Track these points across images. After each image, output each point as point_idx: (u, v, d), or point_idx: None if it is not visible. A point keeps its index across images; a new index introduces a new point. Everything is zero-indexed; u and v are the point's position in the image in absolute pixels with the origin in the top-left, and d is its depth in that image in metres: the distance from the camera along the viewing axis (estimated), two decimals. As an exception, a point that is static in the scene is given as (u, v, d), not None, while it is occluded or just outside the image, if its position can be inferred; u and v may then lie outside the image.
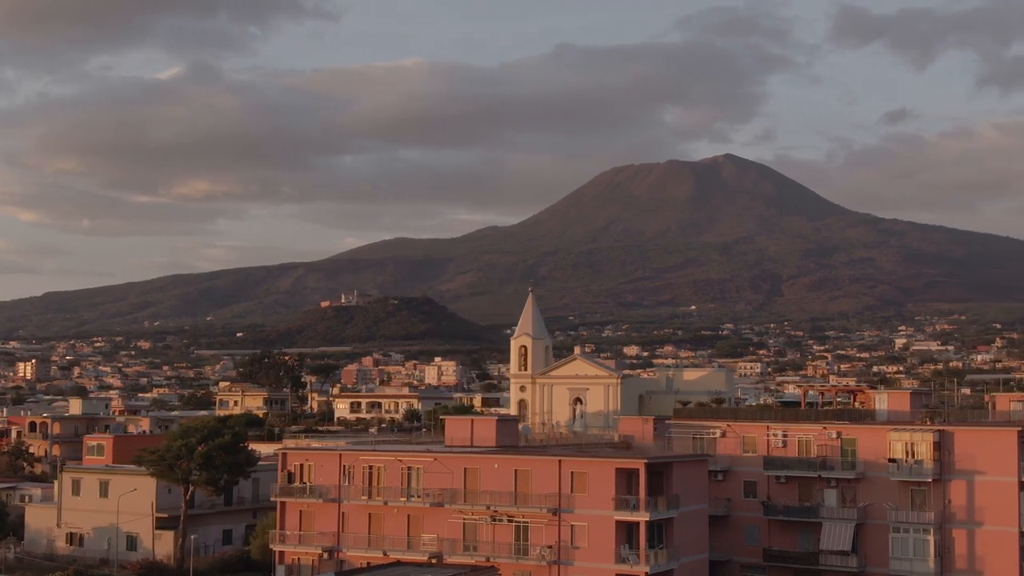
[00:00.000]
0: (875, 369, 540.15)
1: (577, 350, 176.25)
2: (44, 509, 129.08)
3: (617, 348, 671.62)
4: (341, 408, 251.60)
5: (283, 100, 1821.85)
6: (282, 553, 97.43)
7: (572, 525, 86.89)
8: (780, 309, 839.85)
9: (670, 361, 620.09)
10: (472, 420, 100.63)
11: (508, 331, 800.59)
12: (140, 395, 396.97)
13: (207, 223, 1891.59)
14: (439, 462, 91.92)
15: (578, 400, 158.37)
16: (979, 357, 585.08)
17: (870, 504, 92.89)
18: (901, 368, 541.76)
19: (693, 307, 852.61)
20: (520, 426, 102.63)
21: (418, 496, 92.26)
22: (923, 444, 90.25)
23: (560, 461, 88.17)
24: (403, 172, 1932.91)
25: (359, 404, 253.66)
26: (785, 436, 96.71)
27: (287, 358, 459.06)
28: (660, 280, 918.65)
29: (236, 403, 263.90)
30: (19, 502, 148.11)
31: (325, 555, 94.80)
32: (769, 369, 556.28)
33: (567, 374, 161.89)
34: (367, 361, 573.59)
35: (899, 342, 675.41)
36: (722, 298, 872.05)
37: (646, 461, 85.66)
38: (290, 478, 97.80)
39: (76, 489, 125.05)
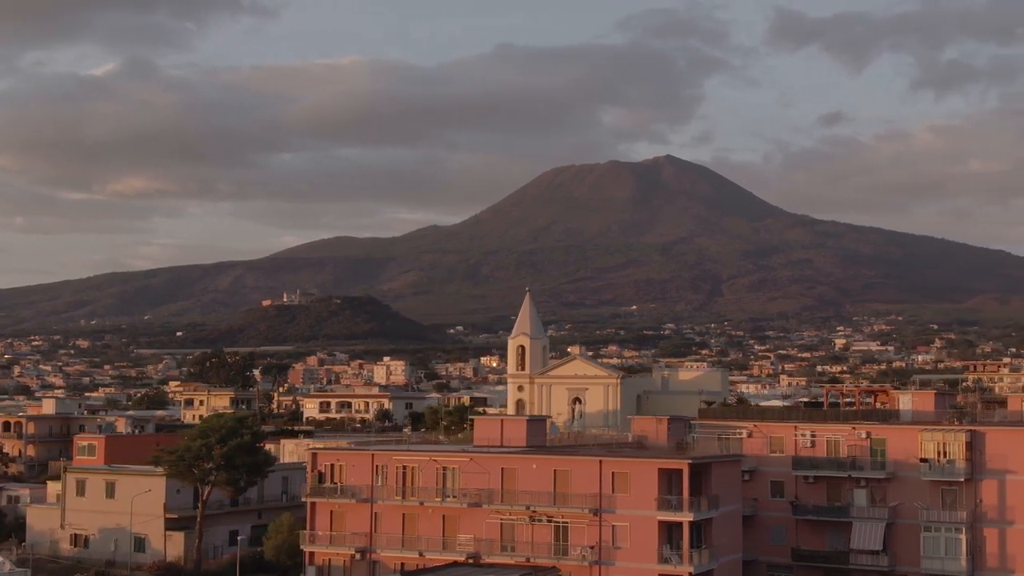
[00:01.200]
0: (819, 369, 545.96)
1: (576, 350, 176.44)
2: (46, 510, 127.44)
3: (561, 348, 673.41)
4: (310, 408, 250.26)
5: (220, 97, 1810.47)
6: (312, 554, 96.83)
7: (613, 525, 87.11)
8: (720, 309, 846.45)
9: (615, 361, 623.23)
10: (502, 420, 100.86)
11: (452, 330, 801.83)
12: (87, 395, 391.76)
13: (143, 221, 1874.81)
14: (475, 462, 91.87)
15: (577, 400, 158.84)
16: (920, 357, 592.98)
17: (900, 504, 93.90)
18: (845, 368, 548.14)
19: (634, 307, 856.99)
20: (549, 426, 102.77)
21: (454, 496, 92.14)
22: (955, 444, 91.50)
23: (601, 461, 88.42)
24: (342, 171, 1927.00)
25: (328, 404, 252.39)
26: (813, 436, 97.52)
27: (237, 358, 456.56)
28: (601, 280, 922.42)
29: (202, 403, 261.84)
30: (5, 503, 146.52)
31: (357, 555, 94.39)
32: (716, 369, 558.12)
33: (566, 374, 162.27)
34: (312, 361, 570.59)
35: (839, 342, 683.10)
36: (663, 298, 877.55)
37: (690, 461, 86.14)
38: (320, 478, 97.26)
39: (81, 490, 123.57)
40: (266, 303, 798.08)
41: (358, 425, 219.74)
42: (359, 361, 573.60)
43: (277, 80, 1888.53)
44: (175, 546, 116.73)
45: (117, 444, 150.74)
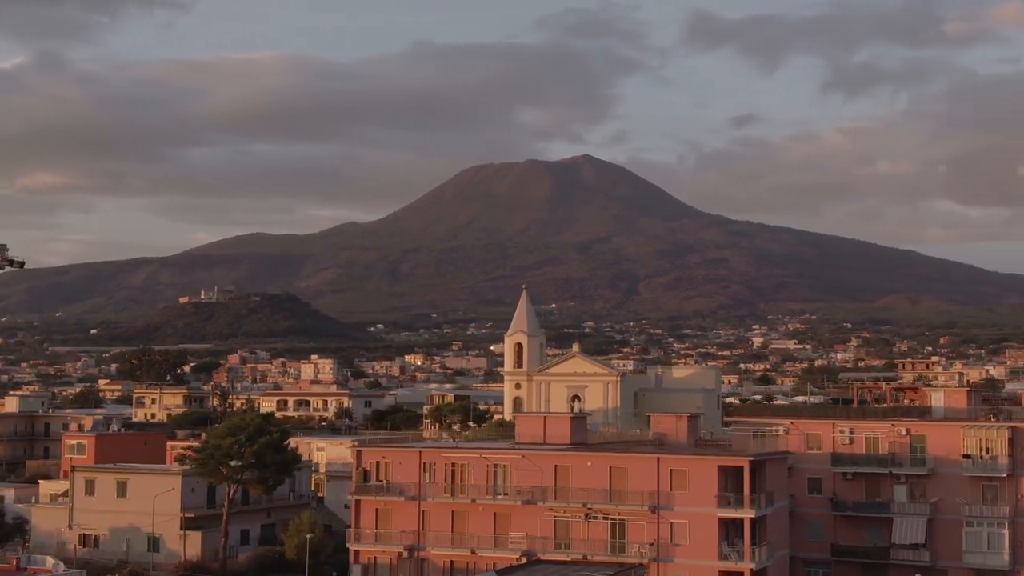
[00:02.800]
0: (742, 367, 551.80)
1: (576, 347, 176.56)
2: (53, 510, 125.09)
3: (485, 346, 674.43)
4: (267, 406, 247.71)
5: (133, 91, 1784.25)
6: (357, 552, 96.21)
7: (672, 522, 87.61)
8: (638, 308, 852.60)
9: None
10: (545, 418, 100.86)
11: (372, 328, 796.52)
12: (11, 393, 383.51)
13: (53, 217, 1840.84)
14: (528, 459, 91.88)
15: (576, 398, 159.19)
16: (838, 356, 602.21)
17: (941, 499, 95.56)
18: (768, 366, 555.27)
19: (554, 305, 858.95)
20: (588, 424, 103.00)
21: (505, 494, 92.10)
22: (998, 440, 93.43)
23: (659, 459, 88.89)
24: (256, 166, 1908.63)
25: (286, 402, 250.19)
26: (852, 433, 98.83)
27: (167, 356, 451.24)
28: (521, 278, 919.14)
29: (154, 401, 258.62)
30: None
31: (405, 553, 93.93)
32: (643, 367, 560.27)
33: (565, 371, 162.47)
34: (234, 359, 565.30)
35: (756, 341, 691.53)
36: (582, 296, 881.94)
37: (751, 459, 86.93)
38: (365, 476, 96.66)
39: (90, 489, 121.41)
40: (183, 300, 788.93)
41: (323, 424, 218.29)
42: (282, 359, 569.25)
43: (190, 74, 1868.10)
44: (192, 545, 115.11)
45: (107, 443, 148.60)
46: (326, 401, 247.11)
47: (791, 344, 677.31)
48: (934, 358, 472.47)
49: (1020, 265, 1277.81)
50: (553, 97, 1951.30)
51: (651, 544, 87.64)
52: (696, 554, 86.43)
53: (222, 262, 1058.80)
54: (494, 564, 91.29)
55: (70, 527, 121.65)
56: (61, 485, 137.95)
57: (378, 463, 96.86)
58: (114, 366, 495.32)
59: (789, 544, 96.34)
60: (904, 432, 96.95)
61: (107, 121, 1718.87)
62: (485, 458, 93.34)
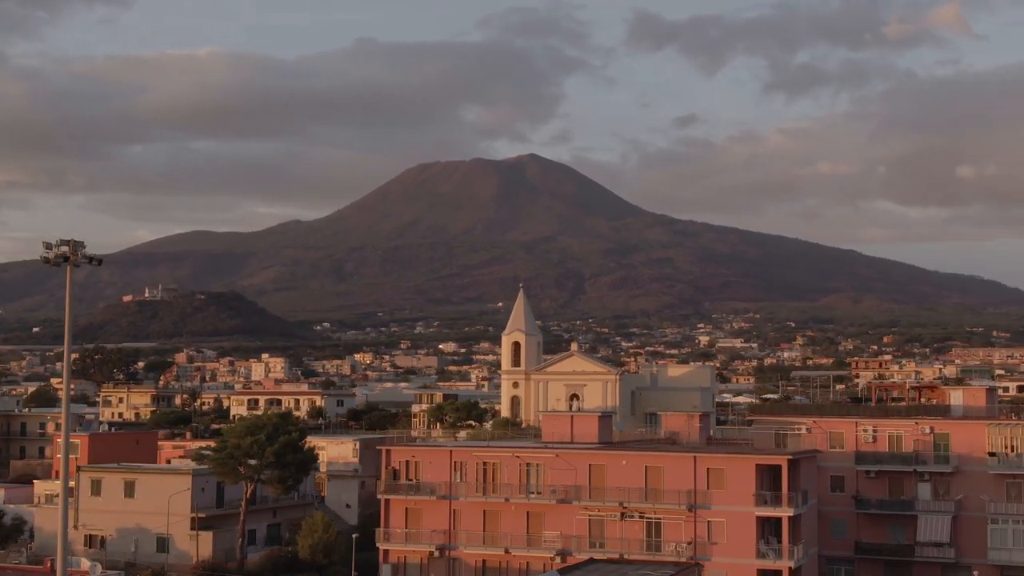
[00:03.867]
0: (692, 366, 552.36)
1: (574, 346, 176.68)
2: (56, 510, 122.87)
3: (433, 345, 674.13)
4: (238, 405, 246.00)
5: (73, 87, 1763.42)
6: (387, 552, 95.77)
7: (709, 521, 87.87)
8: (584, 307, 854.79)
9: (490, 358, 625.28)
10: (572, 417, 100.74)
11: (319, 327, 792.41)
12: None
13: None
14: (561, 458, 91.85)
15: (575, 396, 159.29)
16: (785, 354, 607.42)
17: (965, 497, 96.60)
18: (718, 364, 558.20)
19: (500, 304, 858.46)
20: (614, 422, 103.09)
21: (538, 493, 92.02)
22: (1023, 438, 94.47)
23: (695, 458, 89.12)
24: (197, 163, 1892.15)
25: (256, 401, 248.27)
26: (875, 432, 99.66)
27: (118, 355, 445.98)
28: (467, 277, 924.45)
29: (121, 400, 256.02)
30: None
31: (436, 553, 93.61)
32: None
33: (564, 370, 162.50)
34: (180, 358, 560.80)
35: (703, 339, 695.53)
36: (528, 295, 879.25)
37: (789, 457, 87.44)
38: (395, 475, 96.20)
39: (96, 489, 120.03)
40: (127, 299, 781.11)
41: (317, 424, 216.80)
42: (229, 358, 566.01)
43: (131, 70, 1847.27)
44: (203, 546, 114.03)
45: (100, 442, 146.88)
46: (298, 400, 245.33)
47: (738, 343, 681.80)
48: (885, 356, 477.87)
49: (959, 265, 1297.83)
50: (498, 96, 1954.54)
51: (688, 543, 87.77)
52: (733, 552, 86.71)
53: (164, 260, 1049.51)
54: (527, 564, 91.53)
55: (75, 527, 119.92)
56: (56, 485, 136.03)
57: (407, 462, 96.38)
58: (58, 364, 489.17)
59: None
60: (928, 430, 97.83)
61: (46, 117, 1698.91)
62: (517, 457, 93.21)
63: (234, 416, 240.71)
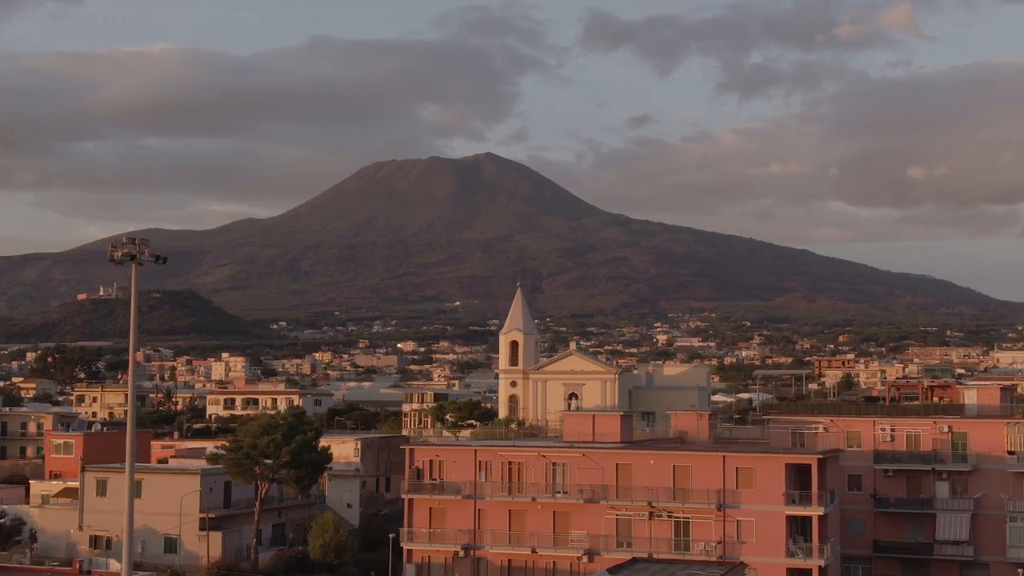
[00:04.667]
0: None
1: (573, 345, 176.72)
2: (62, 511, 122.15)
3: (392, 344, 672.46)
4: (214, 405, 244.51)
5: (23, 83, 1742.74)
6: (410, 551, 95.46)
7: (738, 520, 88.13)
8: (541, 306, 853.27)
9: (451, 357, 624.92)
10: (594, 416, 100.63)
11: (275, 326, 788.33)
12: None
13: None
14: (588, 458, 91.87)
15: (573, 395, 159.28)
16: (743, 353, 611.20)
17: (983, 495, 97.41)
18: (678, 362, 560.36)
19: (458, 303, 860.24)
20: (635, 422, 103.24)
21: (565, 492, 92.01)
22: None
23: (724, 457, 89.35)
24: (150, 161, 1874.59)
25: (233, 401, 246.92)
26: (893, 431, 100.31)
27: (81, 354, 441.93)
28: (424, 276, 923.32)
29: (95, 399, 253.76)
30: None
31: (461, 552, 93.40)
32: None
33: (562, 369, 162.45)
34: (138, 356, 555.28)
35: (661, 339, 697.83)
36: (486, 294, 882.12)
37: (819, 456, 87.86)
38: (418, 475, 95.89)
39: (102, 489, 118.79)
40: (81, 297, 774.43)
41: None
42: (186, 357, 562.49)
43: (83, 67, 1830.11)
44: (212, 546, 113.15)
45: (94, 442, 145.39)
46: (275, 400, 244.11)
47: (695, 342, 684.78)
48: (847, 356, 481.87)
49: (911, 265, 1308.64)
50: (453, 95, 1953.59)
51: (718, 542, 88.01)
52: (763, 552, 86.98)
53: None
54: (554, 563, 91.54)
55: (80, 528, 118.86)
56: (53, 486, 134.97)
57: (431, 461, 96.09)
58: (15, 363, 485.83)
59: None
60: (946, 429, 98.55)
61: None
62: (543, 456, 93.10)
63: (210, 416, 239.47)
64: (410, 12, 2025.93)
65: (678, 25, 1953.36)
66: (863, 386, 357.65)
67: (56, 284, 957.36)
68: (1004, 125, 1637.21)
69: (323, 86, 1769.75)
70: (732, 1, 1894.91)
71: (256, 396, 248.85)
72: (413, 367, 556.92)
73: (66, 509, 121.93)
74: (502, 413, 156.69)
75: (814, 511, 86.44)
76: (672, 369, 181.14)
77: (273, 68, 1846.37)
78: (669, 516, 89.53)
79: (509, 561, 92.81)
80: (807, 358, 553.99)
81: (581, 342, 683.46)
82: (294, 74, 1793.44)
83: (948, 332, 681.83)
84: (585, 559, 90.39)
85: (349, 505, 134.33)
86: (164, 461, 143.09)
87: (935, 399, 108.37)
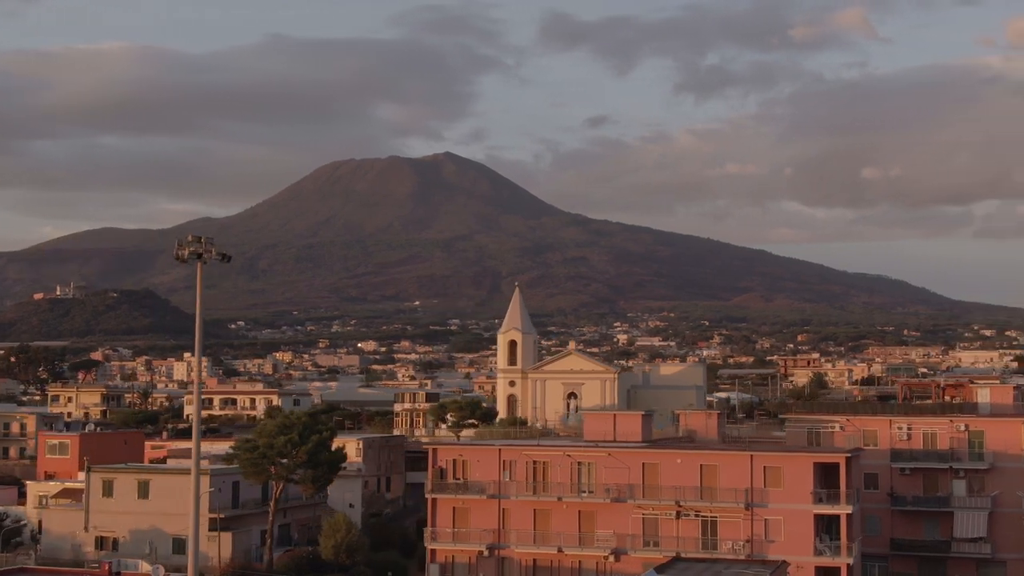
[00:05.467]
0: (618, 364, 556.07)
1: (572, 345, 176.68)
2: (66, 512, 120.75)
3: (352, 344, 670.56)
4: (190, 405, 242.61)
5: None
6: (434, 551, 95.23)
7: (766, 519, 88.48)
8: (501, 305, 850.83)
9: (413, 356, 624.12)
10: (615, 415, 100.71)
11: (233, 325, 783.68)
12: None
13: None
14: (614, 457, 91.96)
15: (572, 395, 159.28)
16: (704, 352, 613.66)
17: (1000, 493, 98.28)
18: (641, 361, 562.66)
19: (417, 302, 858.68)
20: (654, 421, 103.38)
21: (591, 491, 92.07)
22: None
23: (752, 456, 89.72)
24: (105, 159, 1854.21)
25: (210, 401, 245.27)
26: (909, 430, 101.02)
27: (45, 353, 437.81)
28: (383, 275, 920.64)
29: (70, 399, 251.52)
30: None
31: (485, 552, 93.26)
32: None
33: (561, 369, 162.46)
34: (95, 356, 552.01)
35: (621, 338, 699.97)
36: (445, 294, 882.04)
37: (847, 455, 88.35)
38: (441, 474, 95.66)
39: (108, 490, 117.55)
40: (38, 296, 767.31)
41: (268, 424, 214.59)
42: (144, 356, 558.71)
43: (37, 65, 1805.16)
44: (223, 547, 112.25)
45: (90, 442, 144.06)
46: (254, 400, 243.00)
47: (656, 341, 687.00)
48: (814, 355, 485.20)
49: (867, 265, 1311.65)
50: (411, 94, 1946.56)
51: (746, 541, 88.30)
52: (791, 550, 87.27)
53: (73, 257, 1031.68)
54: (579, 562, 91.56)
55: (86, 530, 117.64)
56: (51, 487, 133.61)
57: (454, 461, 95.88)
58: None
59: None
60: (963, 428, 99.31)
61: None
62: (568, 456, 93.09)
63: (187, 416, 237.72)
64: (366, 11, 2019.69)
65: (635, 26, 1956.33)
66: (831, 385, 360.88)
67: (11, 283, 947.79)
68: (958, 126, 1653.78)
69: (279, 85, 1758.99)
70: (688, 2, 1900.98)
71: (234, 396, 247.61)
72: (376, 367, 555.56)
73: (70, 510, 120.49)
74: (501, 413, 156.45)
75: (842, 509, 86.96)
76: (668, 369, 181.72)
77: (229, 66, 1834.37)
78: (696, 515, 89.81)
79: (534, 561, 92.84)
80: (768, 357, 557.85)
81: (543, 342, 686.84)
82: (250, 72, 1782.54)
83: (905, 332, 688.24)
84: (612, 558, 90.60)
85: (351, 505, 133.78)
86: (162, 461, 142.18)
87: (946, 398, 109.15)
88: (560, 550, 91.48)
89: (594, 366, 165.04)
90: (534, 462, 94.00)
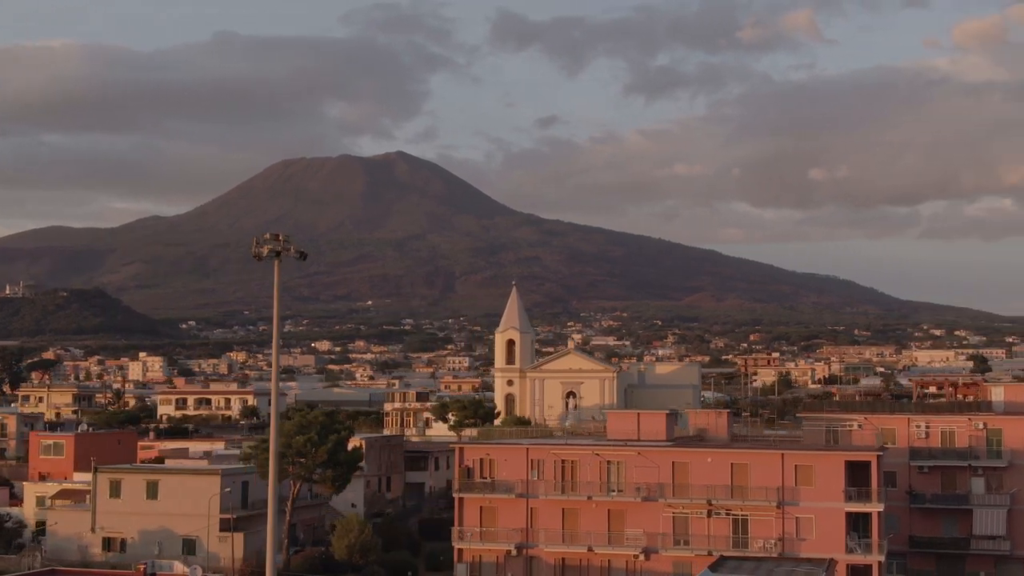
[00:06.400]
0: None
1: (571, 344, 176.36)
2: (72, 513, 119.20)
3: (306, 344, 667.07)
4: (165, 405, 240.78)
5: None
6: (461, 551, 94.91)
7: (797, 517, 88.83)
8: (455, 305, 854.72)
9: (369, 356, 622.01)
10: (638, 414, 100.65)
11: (185, 325, 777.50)
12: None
13: None
14: (644, 456, 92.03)
15: (571, 394, 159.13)
16: (659, 352, 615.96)
17: (1018, 490, 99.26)
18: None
19: (370, 302, 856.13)
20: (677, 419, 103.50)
21: (620, 490, 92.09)
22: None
23: (783, 455, 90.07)
24: (51, 158, 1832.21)
25: (185, 400, 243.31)
26: (927, 428, 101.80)
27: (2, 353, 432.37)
28: (335, 275, 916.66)
29: (41, 400, 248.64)
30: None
31: (514, 551, 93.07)
32: (478, 364, 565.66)
33: (560, 368, 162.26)
34: (48, 356, 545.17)
35: (576, 337, 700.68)
36: (398, 293, 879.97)
37: (879, 454, 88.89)
38: (468, 473, 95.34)
39: (115, 490, 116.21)
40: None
41: (246, 424, 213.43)
42: (97, 356, 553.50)
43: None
44: (228, 548, 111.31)
45: (85, 443, 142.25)
46: (228, 400, 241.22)
47: (610, 340, 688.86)
48: (774, 354, 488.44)
49: (815, 265, 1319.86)
50: (362, 92, 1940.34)
51: (777, 539, 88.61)
52: (822, 548, 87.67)
53: (20, 256, 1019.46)
54: (608, 561, 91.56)
55: (93, 530, 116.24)
56: (48, 487, 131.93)
57: (482, 460, 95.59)
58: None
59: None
60: (981, 426, 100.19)
61: None
62: (597, 455, 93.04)
63: (161, 416, 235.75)
64: (317, 10, 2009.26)
65: (585, 26, 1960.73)
66: (795, 383, 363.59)
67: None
68: (905, 127, 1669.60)
69: (228, 83, 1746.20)
70: (638, 3, 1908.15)
71: (209, 396, 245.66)
72: (332, 367, 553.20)
73: (76, 511, 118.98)
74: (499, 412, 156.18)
75: (874, 507, 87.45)
76: (663, 368, 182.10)
77: (177, 64, 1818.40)
78: (727, 514, 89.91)
79: (563, 560, 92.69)
80: (724, 357, 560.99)
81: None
82: (199, 70, 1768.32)
83: (856, 331, 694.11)
84: (642, 557, 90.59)
85: (353, 505, 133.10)
86: (159, 461, 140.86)
87: (959, 396, 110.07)
88: (591, 549, 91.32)
89: (593, 365, 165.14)
90: (562, 461, 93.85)
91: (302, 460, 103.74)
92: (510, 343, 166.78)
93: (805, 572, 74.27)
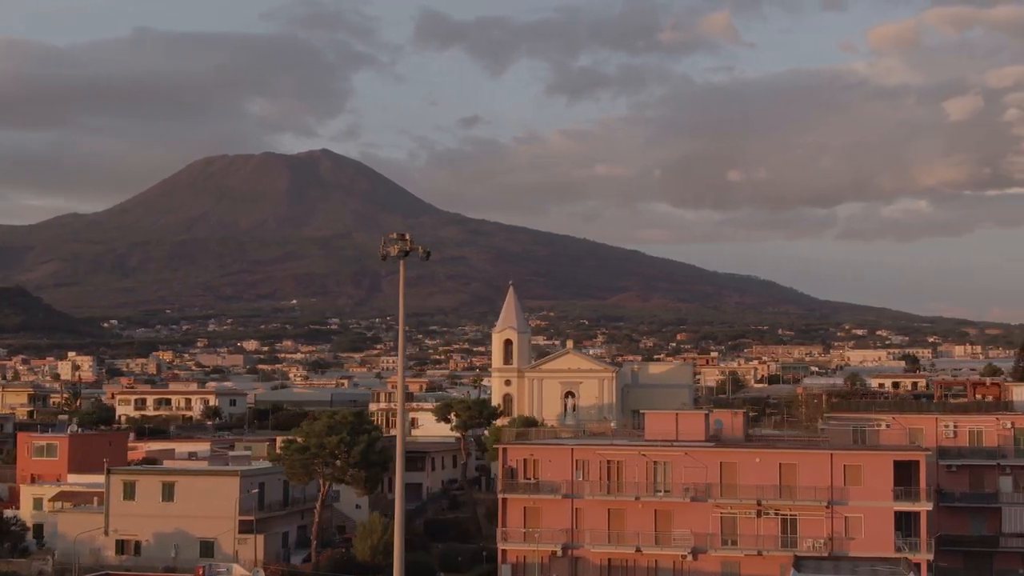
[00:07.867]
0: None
1: (571, 344, 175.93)
2: (84, 516, 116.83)
3: (232, 343, 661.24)
4: (124, 405, 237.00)
5: None
6: (504, 551, 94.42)
7: (846, 517, 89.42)
8: (381, 304, 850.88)
9: (299, 356, 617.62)
10: (676, 415, 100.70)
11: (106, 324, 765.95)
12: None
13: None
14: (691, 456, 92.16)
15: (570, 394, 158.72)
16: (591, 351, 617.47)
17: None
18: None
19: (295, 301, 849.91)
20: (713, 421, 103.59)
21: (667, 491, 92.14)
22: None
23: (832, 455, 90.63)
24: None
25: (144, 401, 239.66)
26: (956, 427, 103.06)
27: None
28: (259, 274, 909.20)
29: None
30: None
31: (559, 552, 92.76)
32: (411, 363, 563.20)
33: (559, 368, 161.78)
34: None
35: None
36: (324, 292, 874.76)
37: (926, 453, 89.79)
38: (512, 474, 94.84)
39: (129, 492, 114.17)
40: None
41: (212, 425, 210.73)
42: (20, 356, 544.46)
43: None
44: (248, 550, 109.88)
45: (79, 444, 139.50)
46: (189, 400, 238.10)
47: (541, 340, 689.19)
48: (712, 354, 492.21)
49: (735, 265, 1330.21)
50: (283, 89, 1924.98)
51: (827, 538, 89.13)
52: (871, 547, 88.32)
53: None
54: (655, 561, 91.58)
55: (106, 533, 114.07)
56: (47, 490, 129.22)
57: (525, 460, 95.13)
58: None
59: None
60: (1009, 425, 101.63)
61: None
62: (644, 455, 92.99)
63: (120, 416, 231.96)
64: (238, 5, 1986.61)
65: (508, 26, 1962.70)
66: (741, 382, 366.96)
67: None
68: (823, 130, 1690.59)
69: (147, 79, 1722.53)
70: (560, 4, 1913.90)
71: (168, 396, 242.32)
72: (262, 366, 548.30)
73: (87, 513, 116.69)
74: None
75: (922, 506, 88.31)
76: (657, 367, 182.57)
77: (94, 59, 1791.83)
78: (776, 514, 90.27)
79: (609, 560, 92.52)
80: (656, 356, 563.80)
81: (426, 340, 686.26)
82: (116, 66, 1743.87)
83: (780, 331, 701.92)
84: (690, 557, 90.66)
85: (357, 506, 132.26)
86: (153, 462, 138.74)
87: (977, 396, 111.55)
88: (638, 549, 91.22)
89: (592, 365, 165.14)
90: (608, 461, 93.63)
91: (337, 461, 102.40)
92: (507, 343, 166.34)
93: (889, 571, 74.70)
